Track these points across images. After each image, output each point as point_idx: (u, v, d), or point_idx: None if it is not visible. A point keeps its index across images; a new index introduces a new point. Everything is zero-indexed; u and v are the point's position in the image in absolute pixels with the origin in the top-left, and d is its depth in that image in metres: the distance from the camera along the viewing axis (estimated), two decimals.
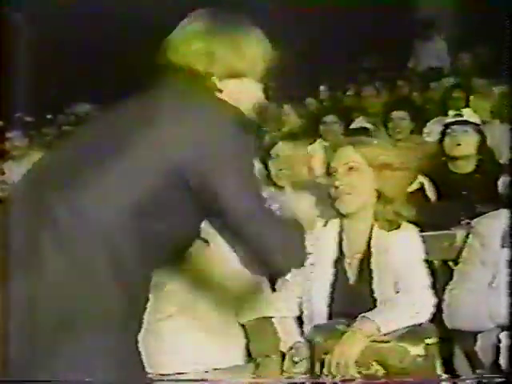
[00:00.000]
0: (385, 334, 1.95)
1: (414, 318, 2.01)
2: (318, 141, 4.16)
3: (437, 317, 2.07)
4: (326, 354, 1.93)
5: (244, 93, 1.55)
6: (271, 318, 2.13)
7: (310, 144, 3.70)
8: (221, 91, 1.51)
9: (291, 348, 2.04)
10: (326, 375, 1.90)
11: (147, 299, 1.47)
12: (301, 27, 6.22)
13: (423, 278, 2.11)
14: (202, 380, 1.85)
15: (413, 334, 1.95)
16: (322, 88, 5.61)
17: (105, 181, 1.37)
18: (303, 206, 1.67)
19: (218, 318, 2.06)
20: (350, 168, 2.10)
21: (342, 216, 2.14)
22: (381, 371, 1.89)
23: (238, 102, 1.53)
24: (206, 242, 2.12)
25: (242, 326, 2.12)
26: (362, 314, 1.98)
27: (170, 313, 2.03)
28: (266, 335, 2.10)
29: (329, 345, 1.94)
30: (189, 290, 2.04)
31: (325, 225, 2.16)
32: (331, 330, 1.99)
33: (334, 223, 2.16)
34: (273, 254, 1.47)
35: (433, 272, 2.17)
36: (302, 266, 1.65)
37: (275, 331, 2.11)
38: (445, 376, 1.98)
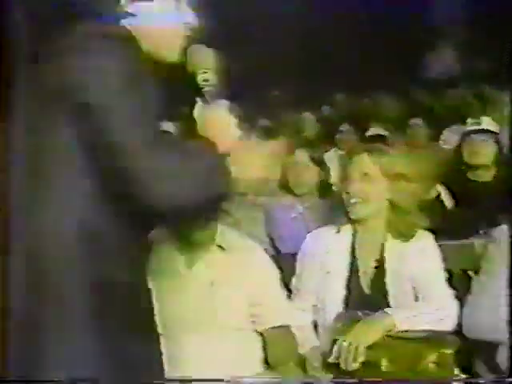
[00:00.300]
0: (405, 333, 1.96)
1: (435, 323, 2.01)
2: (333, 149, 4.16)
3: (457, 326, 2.06)
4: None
5: (160, 15, 1.45)
6: (288, 326, 2.13)
7: (326, 152, 3.71)
8: (132, 15, 1.44)
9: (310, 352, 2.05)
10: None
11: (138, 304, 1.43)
12: (316, 35, 6.23)
13: (445, 287, 2.10)
14: (219, 380, 1.85)
15: (432, 340, 1.95)
16: (338, 96, 5.61)
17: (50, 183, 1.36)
18: (217, 119, 1.47)
19: (237, 327, 2.06)
20: (364, 175, 2.10)
21: (354, 223, 2.14)
22: (389, 368, 1.89)
23: (156, 25, 1.45)
24: (223, 248, 2.12)
25: (260, 334, 2.12)
26: (384, 310, 1.99)
27: (190, 321, 2.03)
28: (283, 343, 2.10)
29: (345, 329, 1.97)
30: (207, 297, 2.05)
31: (337, 231, 2.16)
32: (352, 316, 2.01)
33: (347, 230, 2.16)
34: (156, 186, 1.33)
35: (452, 281, 2.16)
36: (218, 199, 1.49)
37: (293, 339, 2.11)
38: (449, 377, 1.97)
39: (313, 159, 3.03)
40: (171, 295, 2.03)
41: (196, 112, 1.50)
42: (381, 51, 6.25)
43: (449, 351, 1.92)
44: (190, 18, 1.49)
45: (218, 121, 1.46)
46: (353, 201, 2.09)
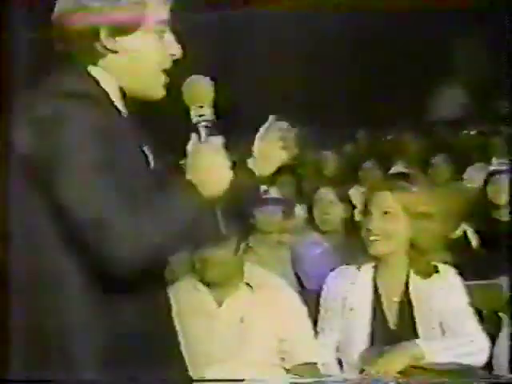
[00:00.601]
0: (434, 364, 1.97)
1: (465, 357, 2.02)
2: (356, 186, 4.17)
3: (487, 364, 2.06)
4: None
5: (145, 50, 1.35)
6: (315, 363, 2.14)
7: (350, 189, 3.73)
8: (115, 52, 1.33)
9: None
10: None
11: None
12: (339, 75, 6.29)
13: (473, 321, 2.10)
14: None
15: (461, 374, 1.97)
16: (360, 133, 5.65)
17: None
18: (209, 160, 1.32)
19: (265, 363, 2.07)
20: (385, 213, 2.11)
21: (375, 260, 2.15)
22: None
23: (142, 61, 1.35)
24: (251, 286, 2.15)
25: (287, 370, 2.12)
26: (414, 340, 2.01)
27: (219, 357, 2.04)
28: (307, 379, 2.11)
29: (372, 359, 1.99)
30: (236, 334, 2.06)
31: (359, 269, 2.18)
32: (379, 350, 2.03)
33: (368, 268, 2.17)
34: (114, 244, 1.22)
35: (482, 322, 2.16)
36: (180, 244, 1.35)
37: (318, 375, 2.12)
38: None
39: (338, 196, 3.07)
40: (199, 332, 2.05)
41: (188, 150, 1.35)
42: (404, 89, 6.30)
43: None
44: (175, 49, 1.38)
45: (210, 161, 1.32)
46: (372, 238, 2.11)
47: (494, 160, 3.31)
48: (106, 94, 1.34)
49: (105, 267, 1.24)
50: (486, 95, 6.49)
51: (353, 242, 2.75)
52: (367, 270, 2.17)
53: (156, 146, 1.43)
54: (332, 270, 2.30)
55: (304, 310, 2.19)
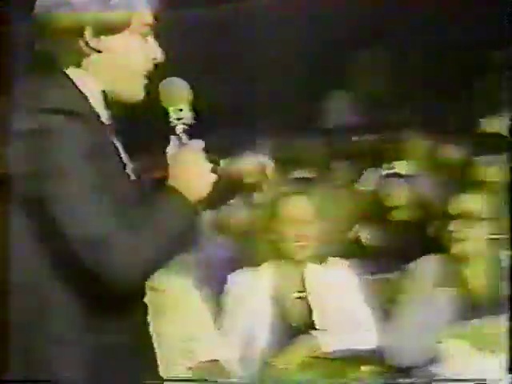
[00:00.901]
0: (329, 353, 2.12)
1: (357, 342, 2.18)
2: (263, 192, 4.27)
3: (378, 351, 2.21)
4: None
5: (130, 51, 1.34)
6: (217, 360, 2.22)
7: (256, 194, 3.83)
8: (99, 51, 1.32)
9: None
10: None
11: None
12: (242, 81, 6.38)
13: (364, 308, 2.25)
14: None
15: (354, 359, 2.12)
16: (261, 141, 5.75)
17: None
18: (191, 163, 1.31)
19: (172, 363, 2.12)
20: (297, 217, 2.24)
21: (274, 260, 2.28)
22: None
23: (126, 62, 1.34)
24: (157, 289, 2.20)
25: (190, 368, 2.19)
26: (309, 332, 2.15)
27: None
28: (210, 377, 2.19)
29: (274, 353, 2.13)
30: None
31: (258, 269, 2.29)
32: (280, 345, 2.16)
33: (268, 268, 2.30)
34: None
35: (372, 313, 2.32)
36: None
37: (222, 371, 2.19)
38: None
39: (244, 201, 3.17)
40: None
41: (168, 154, 1.34)
42: (304, 95, 6.45)
43: (368, 369, 2.09)
44: (157, 53, 1.37)
45: (192, 165, 1.31)
46: (297, 244, 2.23)
47: (384, 165, 3.52)
48: (90, 107, 1.32)
49: (105, 284, 1.23)
50: (382, 103, 6.77)
51: (258, 245, 2.86)
52: (267, 270, 2.28)
53: (136, 153, 1.42)
54: (233, 271, 2.39)
55: (207, 310, 2.27)
